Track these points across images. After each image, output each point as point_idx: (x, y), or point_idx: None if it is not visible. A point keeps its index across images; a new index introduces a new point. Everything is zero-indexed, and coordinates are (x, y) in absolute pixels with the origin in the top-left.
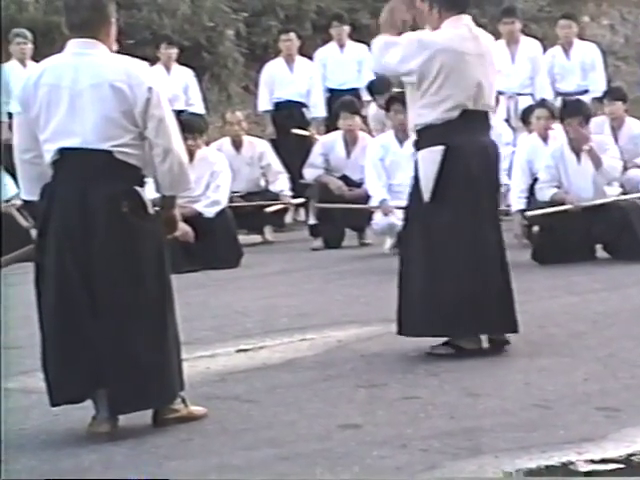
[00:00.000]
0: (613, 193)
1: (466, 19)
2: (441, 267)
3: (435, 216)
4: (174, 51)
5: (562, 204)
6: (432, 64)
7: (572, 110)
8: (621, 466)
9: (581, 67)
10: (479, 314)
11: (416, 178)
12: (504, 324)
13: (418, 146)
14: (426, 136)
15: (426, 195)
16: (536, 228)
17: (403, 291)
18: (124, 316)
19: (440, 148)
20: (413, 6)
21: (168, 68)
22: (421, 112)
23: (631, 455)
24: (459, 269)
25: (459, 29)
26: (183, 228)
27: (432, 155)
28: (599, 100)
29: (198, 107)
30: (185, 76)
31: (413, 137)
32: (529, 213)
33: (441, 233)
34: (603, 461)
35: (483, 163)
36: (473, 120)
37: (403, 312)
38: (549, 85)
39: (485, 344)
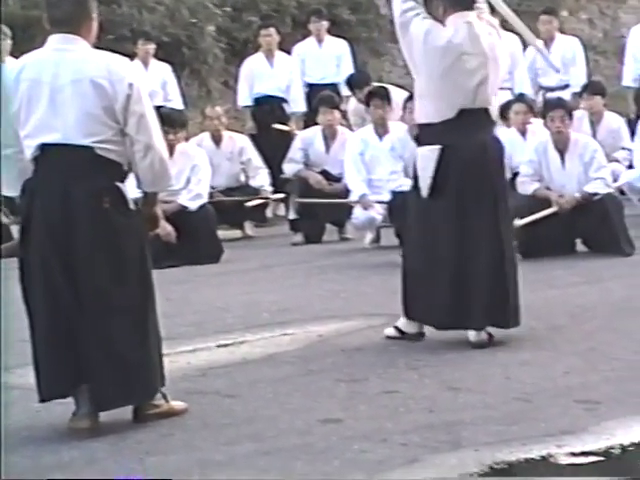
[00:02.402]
0: (594, 188)
1: (471, 16)
2: (439, 259)
3: (433, 211)
4: (151, 47)
5: (544, 199)
6: (434, 55)
7: (554, 104)
8: (601, 458)
9: (562, 61)
10: (471, 306)
11: (415, 175)
12: (495, 315)
13: (418, 143)
14: (425, 134)
15: (424, 192)
16: (518, 222)
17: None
18: (107, 312)
19: (437, 147)
20: None
21: (146, 64)
22: (420, 110)
23: (611, 448)
24: (455, 262)
25: (460, 27)
26: (165, 228)
27: (430, 154)
28: (579, 95)
29: (176, 102)
30: (163, 72)
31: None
32: (518, 222)
33: (438, 226)
34: (583, 454)
35: (482, 161)
36: (472, 118)
37: (408, 297)
38: (528, 80)
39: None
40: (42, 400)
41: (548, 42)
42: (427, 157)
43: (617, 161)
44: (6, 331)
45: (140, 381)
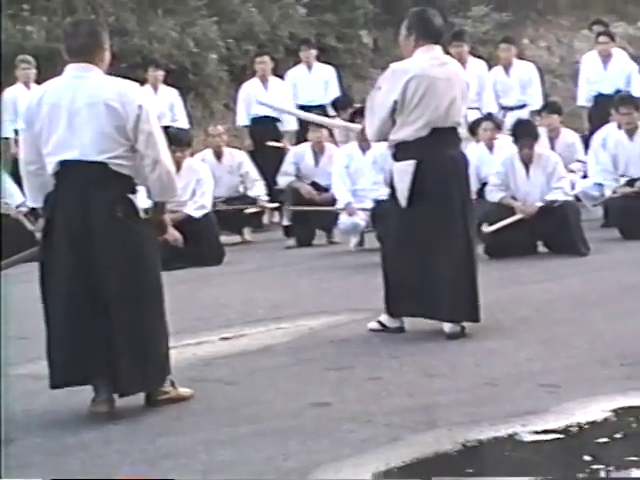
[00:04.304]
0: (554, 196)
1: (437, 49)
2: (416, 259)
3: (411, 218)
4: (160, 73)
5: (509, 207)
6: (407, 89)
7: (525, 132)
8: (561, 436)
9: (520, 84)
10: (442, 300)
11: (392, 187)
12: (466, 311)
13: (394, 159)
14: (401, 151)
15: (403, 202)
16: (486, 228)
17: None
18: (123, 308)
19: (412, 162)
20: None
21: (155, 88)
22: (396, 130)
23: (570, 426)
24: (429, 261)
25: (429, 57)
26: (173, 234)
27: (406, 168)
28: (537, 113)
29: (182, 123)
30: (171, 95)
31: (373, 147)
32: (488, 229)
33: (415, 231)
34: (545, 432)
35: (452, 173)
36: (442, 136)
37: (390, 296)
38: (494, 100)
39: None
40: (54, 387)
41: (507, 67)
42: (404, 171)
43: (573, 172)
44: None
45: (154, 370)
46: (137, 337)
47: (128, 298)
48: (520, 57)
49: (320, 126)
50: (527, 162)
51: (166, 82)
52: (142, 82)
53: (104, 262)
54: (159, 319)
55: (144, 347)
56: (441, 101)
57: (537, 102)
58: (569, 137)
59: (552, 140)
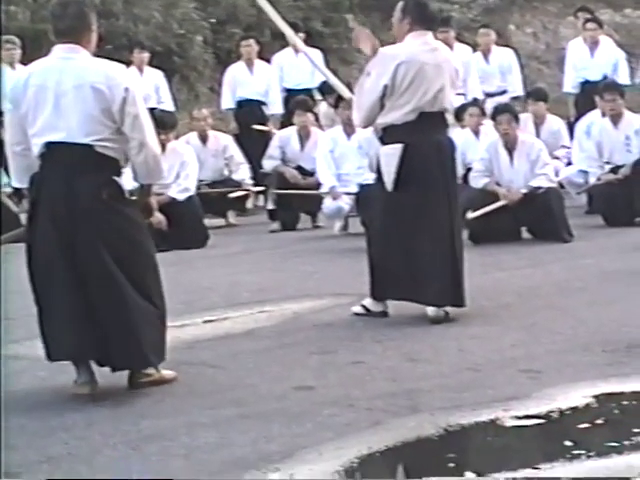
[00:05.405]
0: (538, 183)
1: (429, 35)
2: (402, 243)
3: (397, 202)
4: (146, 55)
5: (493, 193)
6: (397, 74)
7: (502, 109)
8: (542, 421)
9: (500, 70)
10: (427, 284)
11: (379, 171)
12: (451, 296)
13: (382, 142)
14: (388, 134)
15: (389, 186)
16: (471, 214)
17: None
18: (109, 289)
19: (400, 146)
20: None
21: (141, 70)
22: (384, 114)
23: (551, 411)
24: (415, 246)
25: (420, 42)
26: (158, 217)
27: (393, 151)
28: (517, 99)
29: (168, 105)
30: (156, 77)
31: (358, 132)
32: (471, 215)
33: (402, 215)
34: (526, 417)
35: (438, 158)
36: (430, 121)
37: (375, 280)
38: (479, 86)
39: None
40: (53, 360)
41: (486, 53)
42: (391, 155)
43: (557, 158)
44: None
45: (147, 348)
46: (129, 315)
47: (110, 277)
48: (506, 44)
49: (306, 110)
50: (511, 148)
51: (151, 64)
52: (128, 64)
53: (89, 243)
54: (151, 298)
55: (137, 325)
56: (430, 86)
57: (517, 88)
58: (555, 124)
59: (537, 127)
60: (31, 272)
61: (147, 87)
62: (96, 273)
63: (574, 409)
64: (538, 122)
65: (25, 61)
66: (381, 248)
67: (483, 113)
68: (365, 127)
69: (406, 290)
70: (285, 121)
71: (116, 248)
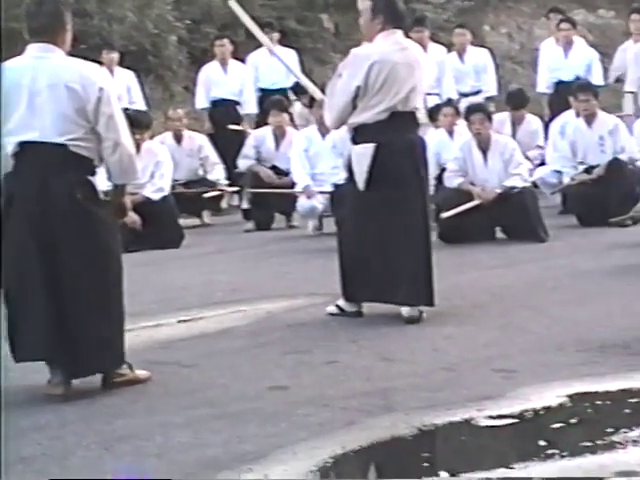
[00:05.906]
0: (512, 183)
1: (398, 33)
2: (373, 242)
3: (369, 201)
4: (115, 55)
5: (468, 193)
6: (370, 74)
7: (474, 109)
8: (516, 421)
9: (474, 70)
10: (398, 284)
11: (350, 170)
12: (423, 296)
13: (353, 142)
14: (360, 134)
15: (361, 185)
16: (444, 214)
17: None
18: (80, 291)
19: (372, 145)
20: None
21: (111, 71)
22: (356, 114)
23: (525, 411)
24: (387, 245)
25: (391, 42)
26: (132, 216)
27: (365, 151)
28: (491, 99)
29: (139, 105)
30: (127, 78)
31: (333, 132)
32: (445, 214)
33: (374, 214)
34: (500, 417)
35: (410, 157)
36: (401, 120)
37: (346, 280)
38: (454, 86)
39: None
40: (17, 361)
41: (461, 53)
42: (362, 154)
43: (529, 159)
44: None
45: (110, 352)
46: (91, 320)
47: (83, 280)
48: (481, 44)
49: (282, 110)
50: (484, 148)
51: (126, 64)
52: (102, 64)
53: (63, 244)
54: (117, 302)
55: (99, 329)
56: (402, 86)
57: (491, 88)
58: (533, 123)
59: (515, 126)
60: (1, 272)
61: (119, 87)
62: (68, 274)
63: (548, 409)
64: (516, 121)
65: None
66: (352, 247)
67: (457, 113)
68: (337, 128)
69: (377, 291)
70: (260, 121)
71: (87, 250)
